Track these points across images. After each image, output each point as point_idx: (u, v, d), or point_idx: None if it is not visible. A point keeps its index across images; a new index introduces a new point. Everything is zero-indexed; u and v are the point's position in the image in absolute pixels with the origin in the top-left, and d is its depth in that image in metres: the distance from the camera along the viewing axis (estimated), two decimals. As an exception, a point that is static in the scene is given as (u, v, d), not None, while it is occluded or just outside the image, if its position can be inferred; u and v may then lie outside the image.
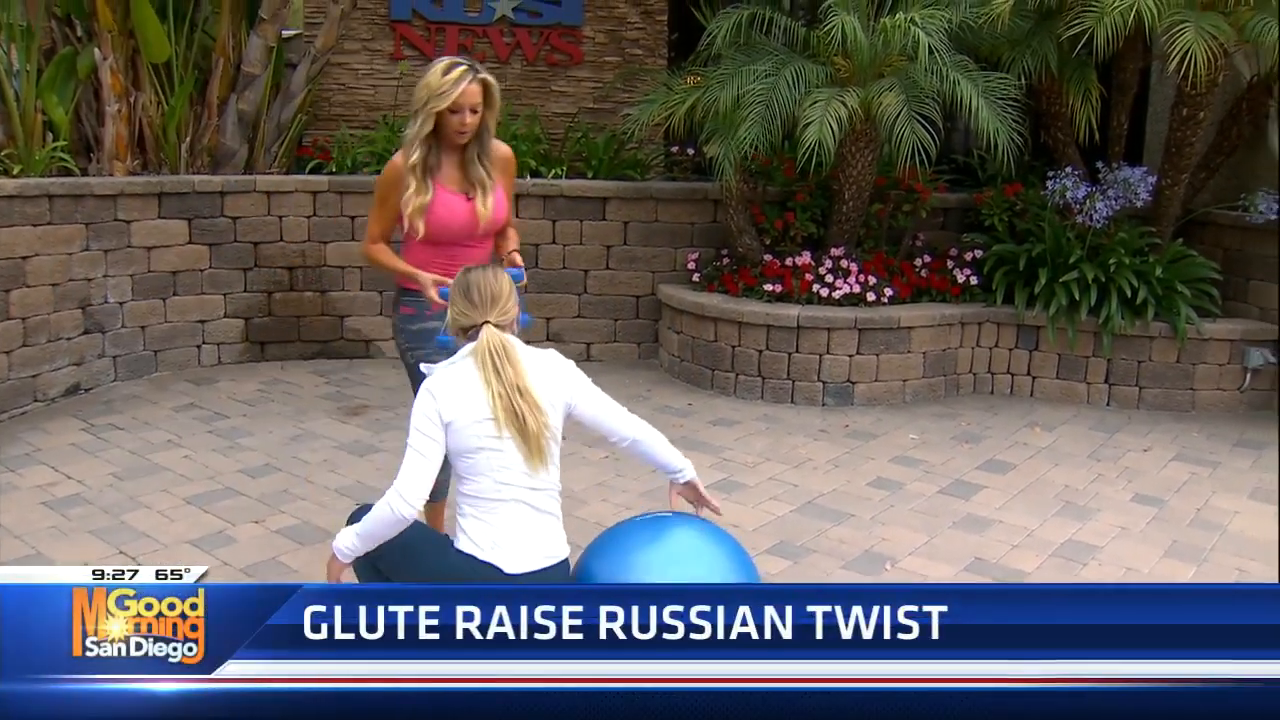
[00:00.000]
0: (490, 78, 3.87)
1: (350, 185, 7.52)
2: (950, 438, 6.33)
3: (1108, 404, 7.04)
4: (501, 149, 4.08)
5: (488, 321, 3.21)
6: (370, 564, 3.21)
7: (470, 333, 3.24)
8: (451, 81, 3.74)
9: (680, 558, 3.23)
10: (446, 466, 3.27)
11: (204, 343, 7.37)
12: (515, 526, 3.18)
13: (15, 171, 6.48)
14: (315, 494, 5.16)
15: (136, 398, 6.63)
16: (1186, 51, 5.90)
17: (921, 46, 6.14)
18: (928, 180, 7.53)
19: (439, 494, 4.11)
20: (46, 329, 6.43)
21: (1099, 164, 7.22)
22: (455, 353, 3.29)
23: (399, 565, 3.18)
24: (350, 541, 3.12)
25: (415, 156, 3.86)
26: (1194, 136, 6.93)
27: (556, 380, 3.30)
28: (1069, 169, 7.11)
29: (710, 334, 7.12)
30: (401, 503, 3.05)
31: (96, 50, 7.06)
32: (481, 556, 3.15)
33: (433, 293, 3.80)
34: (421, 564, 3.17)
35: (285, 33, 7.87)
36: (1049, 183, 7.06)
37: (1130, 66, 7.40)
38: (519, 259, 4.02)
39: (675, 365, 7.46)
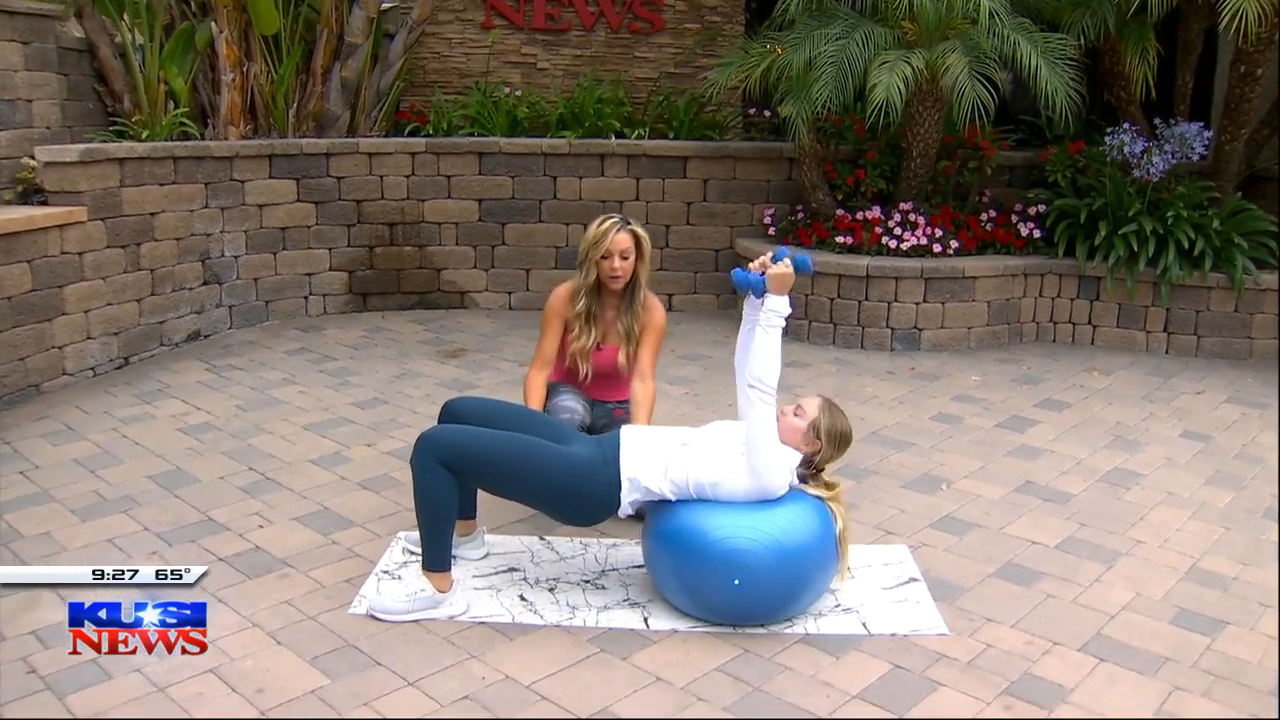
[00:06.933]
0: (641, 230, 4.38)
1: (445, 147, 8.02)
2: (1010, 380, 6.66)
3: (1166, 351, 7.29)
4: (654, 313, 4.50)
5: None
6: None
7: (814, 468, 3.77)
8: (604, 232, 4.31)
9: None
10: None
11: (311, 294, 7.93)
12: None
13: (144, 136, 7.07)
14: (419, 422, 5.63)
15: (252, 343, 7.21)
16: (1238, 10, 6.15)
17: (982, 10, 6.45)
18: (993, 139, 7.82)
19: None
20: (171, 279, 7.01)
21: (1156, 120, 7.45)
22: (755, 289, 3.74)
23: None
24: None
25: (580, 305, 4.41)
26: (1252, 93, 7.15)
27: None
28: (1127, 125, 7.36)
29: (784, 284, 7.48)
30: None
31: (213, 24, 7.63)
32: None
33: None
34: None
35: (383, 5, 8.38)
36: (1108, 138, 7.32)
37: (1195, 26, 7.62)
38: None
39: (751, 315, 7.82)
